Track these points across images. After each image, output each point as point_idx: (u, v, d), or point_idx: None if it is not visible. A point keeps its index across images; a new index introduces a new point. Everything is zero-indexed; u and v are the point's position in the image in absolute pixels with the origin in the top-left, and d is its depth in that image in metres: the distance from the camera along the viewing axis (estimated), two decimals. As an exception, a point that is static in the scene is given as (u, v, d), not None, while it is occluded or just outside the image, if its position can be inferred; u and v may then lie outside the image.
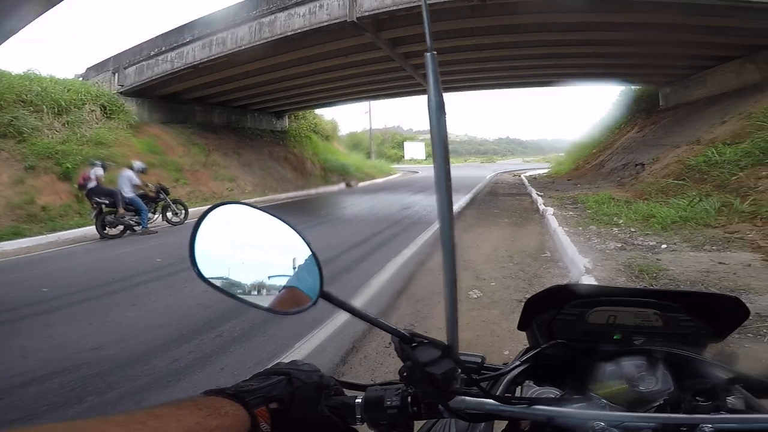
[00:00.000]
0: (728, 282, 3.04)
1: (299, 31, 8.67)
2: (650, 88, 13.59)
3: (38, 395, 2.05)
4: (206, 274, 0.44)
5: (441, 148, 0.39)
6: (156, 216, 7.71)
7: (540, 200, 8.30)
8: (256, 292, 0.44)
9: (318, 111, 20.94)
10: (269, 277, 0.44)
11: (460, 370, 0.45)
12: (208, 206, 0.45)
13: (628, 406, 0.48)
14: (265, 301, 0.44)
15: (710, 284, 3.04)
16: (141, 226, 7.13)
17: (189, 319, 3.07)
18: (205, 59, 10.17)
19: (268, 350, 2.52)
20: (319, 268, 0.44)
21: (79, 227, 7.37)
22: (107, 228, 6.87)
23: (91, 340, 2.71)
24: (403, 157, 47.89)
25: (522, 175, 17.75)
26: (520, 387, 0.56)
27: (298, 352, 2.45)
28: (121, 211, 6.88)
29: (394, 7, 7.56)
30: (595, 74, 12.18)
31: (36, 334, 2.87)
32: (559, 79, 13.33)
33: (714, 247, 3.98)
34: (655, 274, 3.28)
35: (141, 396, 2.05)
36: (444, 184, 0.41)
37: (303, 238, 0.45)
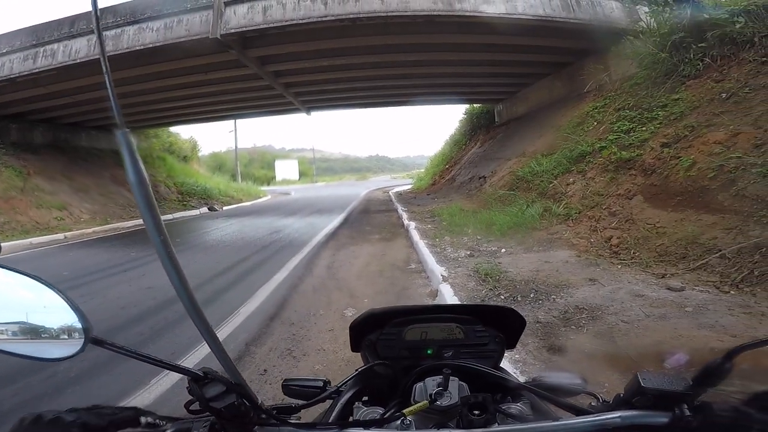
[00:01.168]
0: (553, 278, 3.56)
1: (150, 46, 7.80)
2: (487, 105, 14.87)
3: None
4: None
5: (149, 213, 0.40)
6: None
7: (405, 215, 8.94)
8: (23, 343, 0.42)
9: (174, 129, 18.94)
10: (31, 330, 0.42)
11: (260, 403, 0.47)
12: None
13: (433, 419, 0.52)
14: (34, 351, 0.43)
15: (540, 281, 3.52)
16: None
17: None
18: (26, 72, 8.47)
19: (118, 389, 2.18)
20: (81, 314, 0.42)
21: None
22: None
23: None
24: (275, 177, 46.42)
25: (390, 192, 18.79)
26: (353, 408, 0.60)
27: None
28: None
29: (265, 26, 7.34)
30: (442, 93, 13.20)
31: None
32: (415, 98, 14.28)
33: (541, 248, 4.75)
34: (497, 277, 3.77)
35: None
36: (162, 248, 0.42)
37: (53, 288, 0.43)
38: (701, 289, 3.06)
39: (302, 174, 50.65)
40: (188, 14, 7.68)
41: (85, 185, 12.03)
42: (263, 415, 0.47)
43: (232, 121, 25.84)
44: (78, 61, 8.20)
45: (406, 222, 8.00)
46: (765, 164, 3.66)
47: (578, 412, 0.51)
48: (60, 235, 8.94)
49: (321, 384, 0.65)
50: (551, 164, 6.90)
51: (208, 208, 15.61)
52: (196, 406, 0.45)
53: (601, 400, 0.54)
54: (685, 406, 0.46)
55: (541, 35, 7.82)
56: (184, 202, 15.48)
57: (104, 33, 7.82)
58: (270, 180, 43.54)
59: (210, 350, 0.43)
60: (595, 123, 6.83)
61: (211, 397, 0.43)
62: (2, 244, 6.52)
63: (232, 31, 7.44)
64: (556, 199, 6.05)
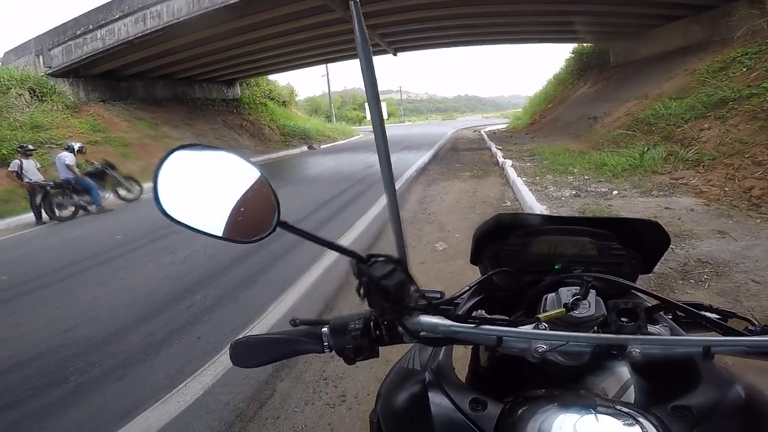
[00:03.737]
0: (673, 227, 3.21)
1: (241, -2, 8.10)
2: (601, 45, 13.80)
3: (19, 382, 2.03)
4: (168, 210, 0.46)
5: (373, 92, 0.41)
6: (107, 194, 7.34)
7: (499, 153, 8.53)
8: (214, 224, 0.46)
9: (272, 77, 19.98)
10: (227, 209, 0.46)
11: (413, 288, 0.48)
12: (165, 152, 0.47)
13: (566, 330, 0.50)
14: (224, 231, 0.46)
15: None
16: (94, 205, 6.79)
17: (158, 293, 3.06)
18: (140, 34, 9.45)
19: (241, 316, 2.57)
20: (276, 198, 0.46)
21: (27, 213, 6.91)
22: (57, 210, 6.50)
23: (62, 323, 2.66)
24: (365, 117, 46.96)
25: (482, 131, 17.92)
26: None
27: (273, 316, 2.52)
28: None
29: None
30: (549, 32, 12.23)
31: (1, 324, 2.78)
32: (514, 37, 13.30)
33: (661, 193, 4.27)
34: (607, 219, 3.53)
35: (123, 371, 2.08)
36: (378, 120, 0.44)
37: (258, 169, 0.47)
38: None
39: (390, 114, 50.26)
40: None
41: (203, 131, 13.61)
42: (420, 300, 0.48)
43: (324, 66, 26.16)
44: (181, 19, 8.82)
45: (501, 160, 7.64)
46: None
47: (731, 333, 0.47)
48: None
49: (438, 295, 0.62)
50: (681, 108, 6.37)
51: (308, 147, 16.65)
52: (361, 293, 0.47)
53: (759, 325, 0.49)
54: None
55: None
56: (287, 142, 16.73)
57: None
58: (361, 120, 44.26)
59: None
60: (744, 69, 6.17)
61: (380, 276, 0.45)
62: (143, 185, 7.74)
63: None
64: (684, 145, 5.52)
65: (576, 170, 5.78)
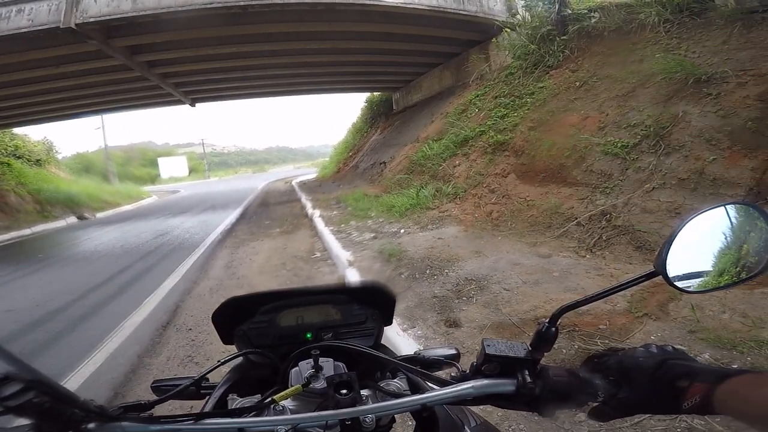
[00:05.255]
0: (445, 253, 3.85)
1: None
2: (386, 93, 15.24)
3: None
4: None
5: None
6: None
7: (309, 204, 8.81)
8: None
9: (20, 130, 15.78)
10: None
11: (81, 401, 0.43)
12: None
13: (308, 404, 0.52)
14: None
15: (434, 257, 3.78)
16: None
17: None
18: None
19: None
20: None
21: None
22: None
23: None
24: (159, 176, 41.70)
25: (293, 182, 18.26)
26: (227, 401, 0.56)
27: None
28: None
29: (134, 14, 6.35)
30: (342, 82, 13.21)
31: None
32: (315, 87, 14.05)
33: (434, 226, 5.08)
34: (399, 256, 3.96)
35: None
36: None
37: None
38: (564, 255, 3.55)
39: (192, 170, 46.39)
40: (33, 3, 6.40)
41: None
42: (84, 413, 0.42)
43: (99, 117, 22.39)
44: None
45: (310, 211, 7.89)
46: (606, 144, 4.41)
47: (442, 384, 0.53)
48: None
49: (193, 380, 0.60)
50: (440, 148, 7.32)
51: (77, 217, 13.41)
52: None
53: (459, 370, 0.56)
54: (527, 372, 0.49)
55: (434, 25, 8.22)
56: (45, 213, 13.01)
57: None
58: (154, 179, 39.09)
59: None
60: (476, 110, 7.39)
61: (5, 397, 0.38)
62: None
63: (92, 20, 6.39)
64: (445, 180, 6.45)
65: (373, 214, 6.39)
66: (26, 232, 10.79)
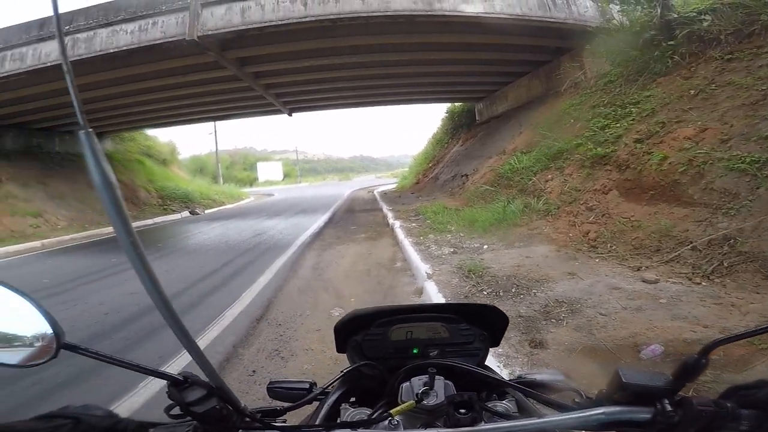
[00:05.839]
0: (534, 273, 3.67)
1: (125, 48, 7.63)
2: (468, 104, 15.11)
3: None
4: None
5: (117, 217, 0.37)
6: None
7: (390, 214, 8.99)
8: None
9: (151, 132, 18.61)
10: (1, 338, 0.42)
11: (242, 407, 0.46)
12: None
13: (418, 422, 0.53)
14: (6, 358, 0.42)
15: (521, 276, 3.62)
16: None
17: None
18: None
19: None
20: (51, 319, 0.42)
21: None
22: None
23: None
24: (257, 179, 45.91)
25: (375, 191, 18.79)
26: (339, 410, 0.59)
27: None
28: None
29: (243, 27, 7.22)
30: (423, 92, 13.38)
31: None
32: (397, 98, 14.43)
33: (522, 244, 4.85)
34: (480, 273, 3.84)
35: None
36: (133, 253, 0.38)
37: (21, 294, 0.43)
38: (674, 281, 3.18)
39: (286, 175, 50.30)
40: (163, 16, 7.53)
41: (61, 191, 11.68)
42: (246, 419, 0.47)
43: (212, 123, 25.46)
44: (48, 64, 7.98)
45: (391, 221, 8.05)
46: (731, 158, 3.83)
47: (562, 408, 0.52)
48: (37, 243, 8.74)
49: (307, 386, 0.65)
50: (530, 161, 7.04)
51: (190, 212, 15.36)
52: (177, 411, 0.44)
53: (584, 396, 0.55)
54: (666, 401, 0.46)
55: (519, 34, 7.91)
56: (165, 207, 15.19)
57: (76, 35, 7.73)
58: (252, 181, 43.10)
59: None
60: (572, 120, 6.92)
61: (190, 402, 0.43)
62: None
63: (210, 32, 7.31)
64: (535, 196, 6.15)
65: (453, 228, 6.28)
66: (149, 222, 12.70)
